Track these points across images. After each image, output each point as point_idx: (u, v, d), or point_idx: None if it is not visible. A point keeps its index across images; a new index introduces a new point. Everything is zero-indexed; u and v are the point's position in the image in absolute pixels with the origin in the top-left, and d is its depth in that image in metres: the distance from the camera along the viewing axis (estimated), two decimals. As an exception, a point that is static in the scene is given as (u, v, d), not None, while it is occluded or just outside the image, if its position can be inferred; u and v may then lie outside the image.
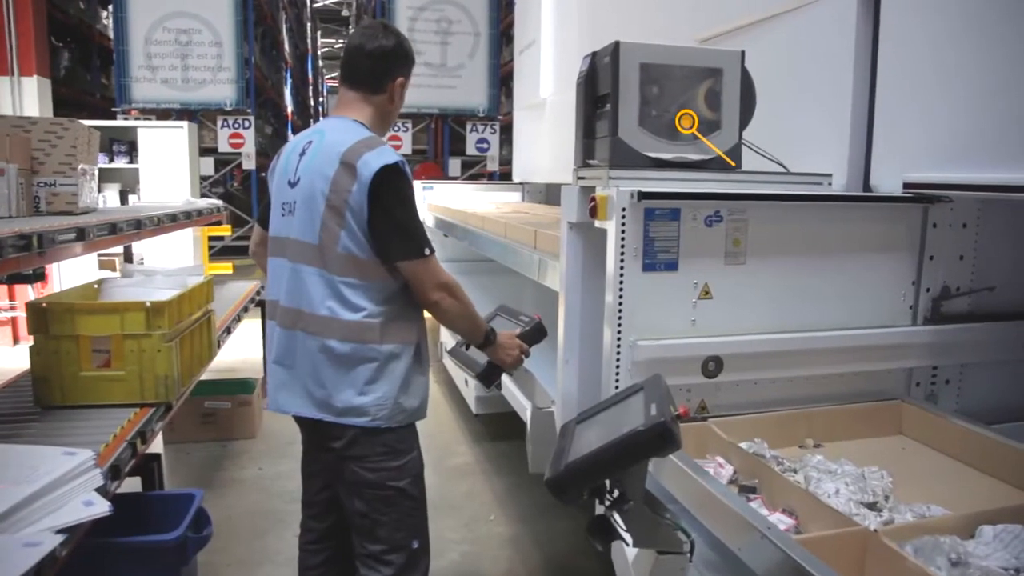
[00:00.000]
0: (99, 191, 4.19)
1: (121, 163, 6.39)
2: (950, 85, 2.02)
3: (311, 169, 1.74)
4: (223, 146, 10.84)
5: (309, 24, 25.41)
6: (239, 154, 10.96)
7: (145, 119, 10.10)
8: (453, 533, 3.08)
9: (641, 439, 1.17)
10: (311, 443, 1.98)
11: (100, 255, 5.55)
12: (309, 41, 25.41)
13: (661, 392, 1.31)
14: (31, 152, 2.47)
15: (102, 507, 1.39)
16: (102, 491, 1.48)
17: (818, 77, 2.51)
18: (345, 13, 26.53)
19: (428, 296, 1.75)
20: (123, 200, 5.20)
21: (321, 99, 32.79)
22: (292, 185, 1.80)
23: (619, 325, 1.83)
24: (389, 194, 1.68)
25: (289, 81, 17.88)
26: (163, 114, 10.35)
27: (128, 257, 4.54)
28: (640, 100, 1.89)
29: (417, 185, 6.13)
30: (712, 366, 1.92)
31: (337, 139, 1.74)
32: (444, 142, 11.77)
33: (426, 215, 5.75)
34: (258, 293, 4.44)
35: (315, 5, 27.07)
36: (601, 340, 1.94)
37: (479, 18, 11.34)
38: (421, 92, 11.20)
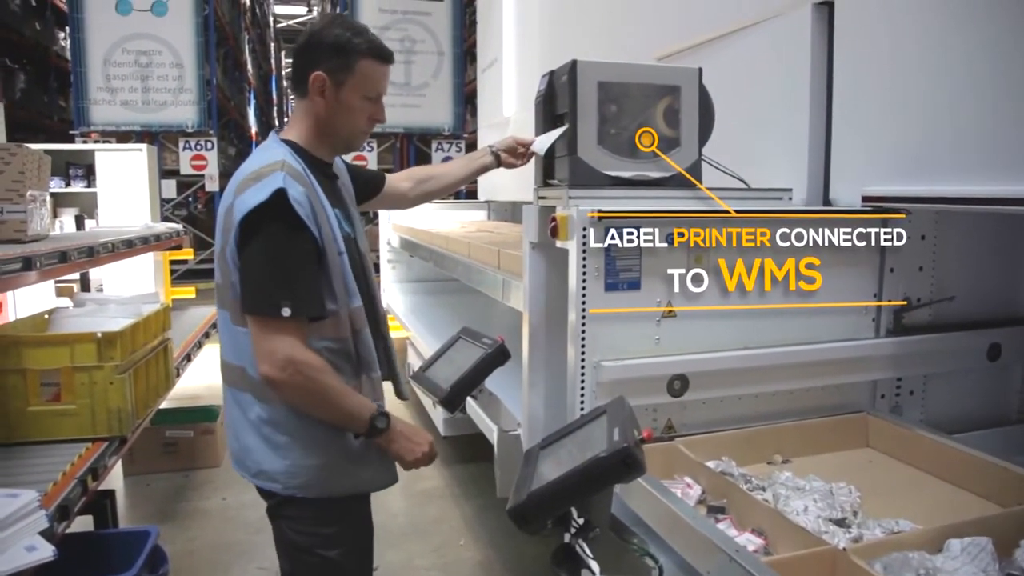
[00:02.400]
0: (55, 216, 4.08)
1: (78, 187, 6.26)
2: (905, 99, 2.05)
3: (222, 200, 1.57)
4: (185, 168, 10.69)
5: (272, 44, 25.33)
6: (202, 176, 10.82)
7: (105, 142, 9.93)
8: (422, 559, 3.02)
9: (604, 465, 1.14)
10: None
11: (57, 282, 5.41)
12: (273, 61, 25.30)
13: (624, 415, 1.28)
14: (-24, 179, 2.39)
15: (45, 552, 1.33)
16: (47, 534, 1.41)
17: (777, 93, 2.53)
18: (309, 33, 26.48)
19: (259, 369, 1.45)
20: (79, 225, 5.08)
21: (285, 119, 32.62)
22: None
23: (583, 346, 1.81)
24: (257, 237, 1.43)
25: (253, 102, 17.75)
26: (123, 136, 10.19)
27: (85, 284, 4.43)
28: (599, 119, 1.88)
29: (382, 206, 6.09)
30: (678, 385, 1.91)
31: (246, 165, 1.55)
32: (410, 161, 11.74)
33: (391, 235, 5.71)
34: (220, 318, 4.36)
35: (278, 26, 26.99)
36: (566, 361, 1.91)
37: (442, 37, 11.39)
38: (386, 111, 11.20)
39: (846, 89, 2.28)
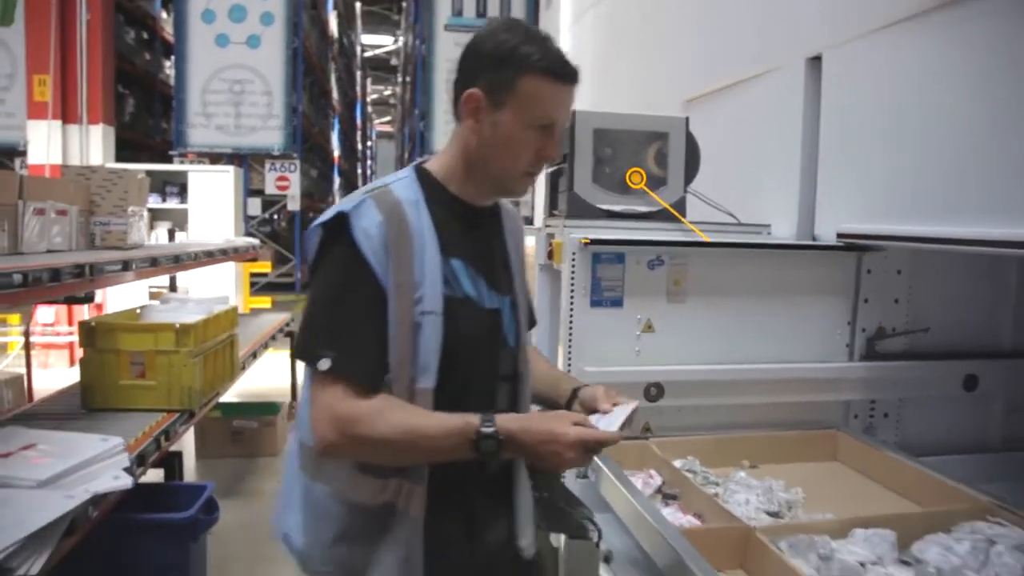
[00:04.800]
0: (151, 229, 4.66)
1: (173, 203, 6.95)
2: (883, 148, 2.30)
3: None
4: (270, 188, 11.48)
5: (359, 72, 26.56)
6: (285, 195, 11.59)
7: (199, 162, 10.82)
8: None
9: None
10: None
11: (151, 287, 6.05)
12: (359, 88, 26.53)
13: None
14: (90, 196, 2.90)
15: (126, 481, 1.74)
16: (128, 471, 1.82)
17: (776, 137, 2.80)
18: (394, 62, 27.71)
19: (313, 432, 1.18)
20: (171, 237, 5.69)
21: (369, 143, 33.95)
22: None
23: (569, 352, 2.13)
24: (317, 264, 1.21)
25: (337, 127, 18.72)
26: (215, 158, 11.06)
27: (173, 288, 4.99)
28: (594, 160, 2.22)
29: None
30: (654, 391, 2.20)
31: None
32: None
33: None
34: (287, 324, 4.83)
35: (365, 55, 28.31)
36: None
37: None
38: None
39: (831, 138, 2.54)
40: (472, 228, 1.31)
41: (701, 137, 2.50)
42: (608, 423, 1.32)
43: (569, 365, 2.13)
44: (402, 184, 1.26)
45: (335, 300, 1.18)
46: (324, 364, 1.14)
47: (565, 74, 1.24)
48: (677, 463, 2.10)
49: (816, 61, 2.59)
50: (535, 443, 1.17)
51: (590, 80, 5.77)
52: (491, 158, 1.25)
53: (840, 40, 2.46)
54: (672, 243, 2.18)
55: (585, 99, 5.91)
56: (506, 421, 1.16)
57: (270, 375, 5.59)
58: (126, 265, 2.46)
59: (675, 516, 1.81)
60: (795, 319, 2.39)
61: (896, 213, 2.25)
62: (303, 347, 1.19)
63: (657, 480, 2.03)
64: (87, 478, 1.68)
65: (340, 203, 1.22)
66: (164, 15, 11.57)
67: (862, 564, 1.58)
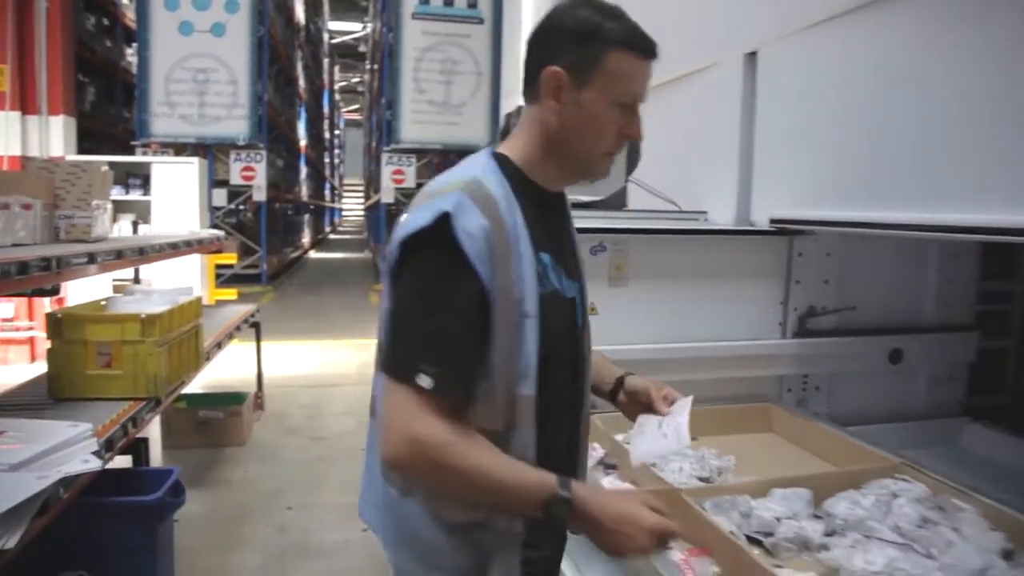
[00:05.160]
0: (115, 221, 4.69)
1: (136, 195, 6.94)
2: (812, 139, 2.45)
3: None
4: (235, 178, 11.45)
5: (326, 60, 26.34)
6: (251, 186, 11.57)
7: (163, 152, 10.76)
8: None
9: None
10: None
11: (115, 280, 6.06)
12: (326, 76, 26.32)
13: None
14: (54, 190, 2.96)
15: (95, 464, 1.84)
16: (97, 455, 1.92)
17: (715, 129, 2.95)
18: (362, 49, 27.53)
19: (384, 446, 1.10)
20: (135, 229, 5.71)
21: (336, 132, 33.74)
22: None
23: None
24: (410, 271, 1.09)
25: (303, 115, 18.61)
26: (180, 148, 10.99)
27: (137, 281, 5.03)
28: (539, 153, 2.33)
29: (408, 217, 6.62)
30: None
31: (438, 178, 1.21)
32: (446, 176, 12.30)
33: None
34: (252, 315, 4.90)
35: (333, 42, 28.07)
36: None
37: (481, 59, 11.94)
38: (425, 128, 11.85)
39: (766, 128, 2.69)
40: (548, 214, 1.25)
41: (648, 128, 2.62)
42: (675, 437, 1.31)
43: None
44: (489, 176, 1.15)
45: (438, 309, 1.06)
46: (425, 381, 1.03)
47: (648, 48, 1.19)
48: (618, 436, 2.25)
49: (752, 57, 2.73)
50: (610, 520, 1.08)
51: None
52: (574, 139, 1.18)
53: (774, 37, 2.60)
54: (613, 230, 2.31)
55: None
56: (583, 491, 1.10)
57: (236, 366, 5.67)
58: (91, 258, 2.54)
59: (613, 483, 1.96)
60: (731, 300, 2.54)
61: (825, 200, 2.41)
62: (400, 361, 1.07)
63: (599, 452, 2.17)
64: (58, 462, 1.78)
65: (432, 199, 1.09)
66: (125, 0, 11.42)
67: (778, 519, 1.74)
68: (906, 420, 2.75)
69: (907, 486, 1.90)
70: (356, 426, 4.98)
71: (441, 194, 1.10)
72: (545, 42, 1.18)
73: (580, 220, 2.46)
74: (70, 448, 1.85)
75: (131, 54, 11.68)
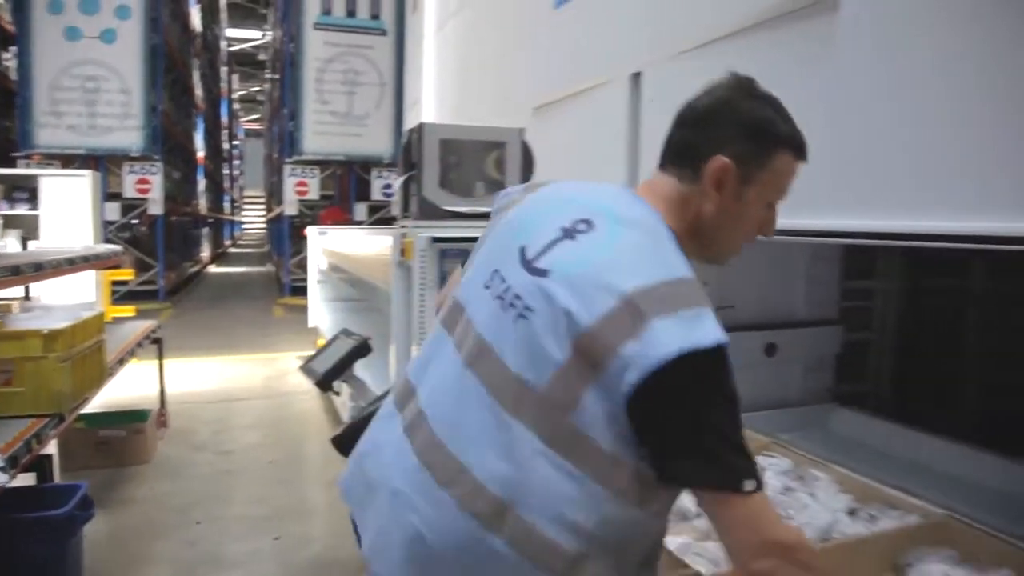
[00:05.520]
0: (1, 237, 4.52)
1: (22, 210, 6.64)
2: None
3: (570, 278, 1.05)
4: (129, 191, 11.03)
5: (224, 68, 25.62)
6: (146, 199, 11.16)
7: (48, 164, 10.25)
8: (319, 530, 3.54)
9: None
10: None
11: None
12: (224, 85, 25.59)
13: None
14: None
15: (2, 478, 1.84)
16: (3, 471, 1.92)
17: (606, 143, 3.17)
18: (262, 57, 26.91)
19: (744, 562, 1.00)
20: (24, 246, 5.49)
21: (236, 142, 32.81)
22: (527, 266, 1.10)
23: (421, 337, 2.39)
24: (679, 390, 0.98)
25: (201, 125, 18.07)
26: (67, 160, 10.49)
27: (27, 299, 4.85)
28: (440, 167, 2.49)
29: (313, 230, 6.63)
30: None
31: (628, 256, 1.05)
32: (351, 188, 12.26)
33: (320, 259, 6.24)
34: (154, 331, 4.80)
35: (231, 49, 27.32)
36: (416, 352, 2.49)
37: (384, 70, 11.98)
38: (328, 139, 11.78)
39: (650, 142, 2.93)
40: None
41: (547, 141, 2.82)
42: None
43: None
44: (689, 267, 1.08)
45: (729, 421, 1.02)
46: (750, 485, 0.99)
47: (805, 152, 1.18)
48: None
49: (637, 77, 2.97)
50: None
51: (452, 86, 6.10)
52: (725, 231, 1.16)
53: (656, 59, 2.84)
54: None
55: (447, 105, 6.25)
56: None
57: (136, 385, 5.52)
58: (-15, 275, 2.50)
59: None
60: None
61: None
62: (728, 469, 0.99)
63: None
64: (-38, 477, 1.78)
65: (692, 309, 1.00)
66: (1, 1, 10.81)
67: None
68: (782, 407, 3.04)
69: (775, 461, 2.15)
70: (263, 439, 4.95)
71: (697, 306, 1.01)
72: (716, 125, 1.14)
73: (479, 230, 2.61)
74: (-25, 465, 1.85)
75: (8, 58, 11.08)
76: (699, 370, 0.97)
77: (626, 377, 0.96)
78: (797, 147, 1.16)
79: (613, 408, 0.99)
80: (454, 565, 1.04)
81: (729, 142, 1.12)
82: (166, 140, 11.92)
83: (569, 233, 1.09)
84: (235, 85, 30.97)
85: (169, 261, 12.11)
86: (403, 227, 2.62)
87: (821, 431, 2.95)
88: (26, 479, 2.45)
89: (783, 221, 2.28)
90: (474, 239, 2.47)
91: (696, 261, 1.17)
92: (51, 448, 2.56)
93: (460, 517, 1.03)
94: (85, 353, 2.84)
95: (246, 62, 29.98)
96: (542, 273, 1.06)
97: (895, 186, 1.81)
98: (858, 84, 1.88)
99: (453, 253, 2.37)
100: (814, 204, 2.11)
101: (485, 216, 2.69)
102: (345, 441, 1.79)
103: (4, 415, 2.47)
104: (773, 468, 2.07)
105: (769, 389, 3.08)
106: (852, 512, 1.92)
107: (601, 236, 1.08)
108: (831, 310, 3.26)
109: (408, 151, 2.58)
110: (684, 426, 0.99)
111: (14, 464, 2.11)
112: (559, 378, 1.01)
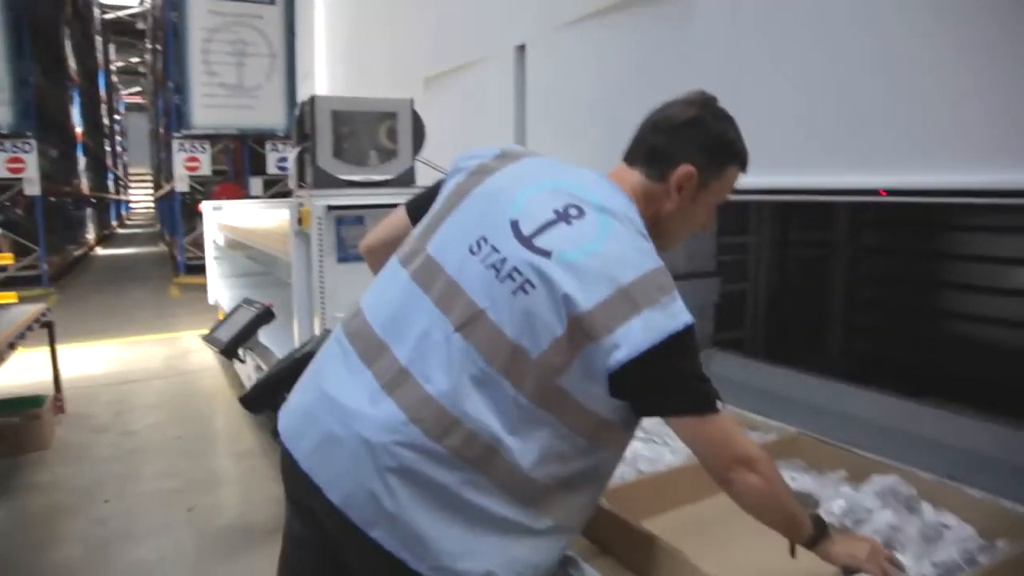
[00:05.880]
0: None
1: None
2: (572, 122, 2.86)
3: (573, 265, 1.15)
4: (0, 171, 10.36)
5: (99, 38, 24.08)
6: (20, 179, 10.53)
7: (-92, 145, 9.51)
8: (232, 499, 3.61)
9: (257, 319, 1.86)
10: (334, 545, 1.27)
11: None
12: (100, 56, 24.08)
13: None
14: None
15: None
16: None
17: (494, 113, 3.32)
18: (141, 26, 25.42)
19: (717, 472, 1.21)
20: None
21: (117, 117, 31.03)
22: (526, 243, 1.19)
23: (323, 303, 2.50)
24: (665, 365, 1.14)
25: (77, 100, 17.03)
26: (-73, 139, 9.77)
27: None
28: (334, 137, 2.57)
29: (208, 206, 6.49)
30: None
31: (620, 249, 1.18)
32: (244, 162, 11.94)
33: (216, 234, 6.14)
34: (44, 315, 4.65)
35: (105, 17, 25.67)
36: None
37: (275, 41, 11.64)
38: (218, 112, 11.40)
39: (535, 112, 3.09)
40: None
41: (438, 110, 2.94)
42: None
43: (323, 314, 2.50)
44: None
45: (696, 368, 1.17)
46: (719, 405, 1.17)
47: (747, 164, 1.38)
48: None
49: (522, 49, 3.12)
50: (846, 556, 1.28)
51: (345, 57, 6.09)
52: (677, 227, 1.35)
53: (539, 32, 2.99)
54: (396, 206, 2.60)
55: (339, 76, 6.25)
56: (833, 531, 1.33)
57: (26, 373, 5.35)
58: None
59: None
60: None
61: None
62: (701, 399, 1.16)
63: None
64: None
65: (666, 296, 1.14)
66: None
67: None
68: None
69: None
70: (168, 417, 4.91)
71: (671, 294, 1.15)
72: (688, 138, 1.31)
73: (374, 197, 2.73)
74: None
75: None
76: (676, 346, 1.12)
77: (615, 355, 1.10)
78: (744, 162, 1.36)
79: (596, 372, 1.12)
80: (444, 506, 1.15)
81: (696, 153, 1.29)
82: (40, 116, 11.23)
83: (563, 217, 1.20)
84: (112, 56, 29.16)
85: (51, 244, 11.50)
86: (300, 197, 2.70)
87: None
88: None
89: None
90: (371, 206, 2.59)
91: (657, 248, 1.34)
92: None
93: (452, 465, 1.14)
94: (-27, 336, 2.79)
95: (124, 31, 28.25)
96: (544, 254, 1.16)
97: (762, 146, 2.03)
98: (719, 51, 2.09)
99: (350, 220, 2.47)
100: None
101: (379, 184, 2.81)
102: (253, 400, 1.90)
103: None
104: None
105: None
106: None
107: (593, 225, 1.20)
108: (708, 263, 3.53)
109: (301, 123, 2.64)
110: (663, 382, 1.15)
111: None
112: (555, 347, 1.13)
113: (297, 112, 2.68)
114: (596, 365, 1.13)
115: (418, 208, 1.41)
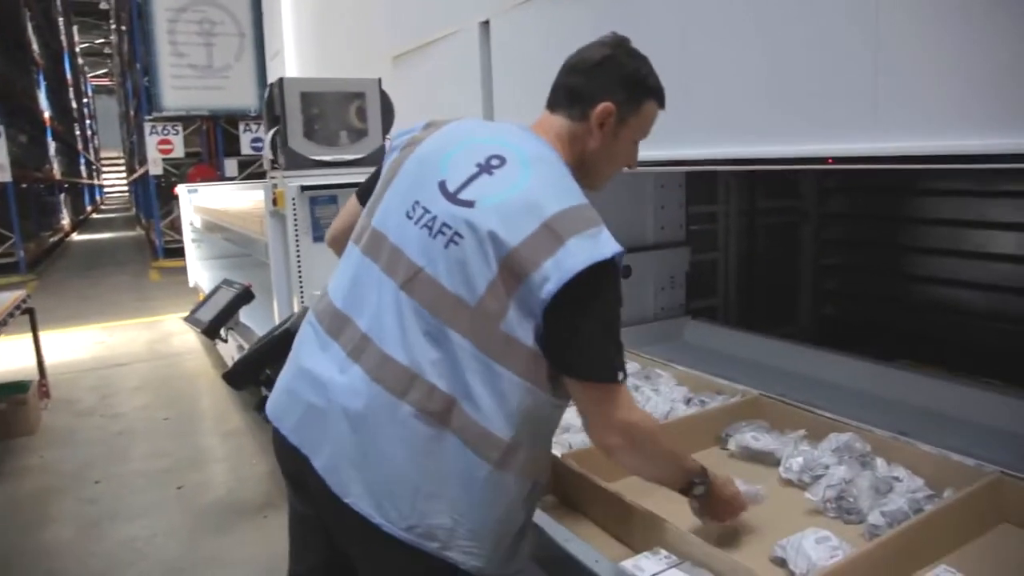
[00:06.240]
0: None
1: None
2: (538, 96, 2.91)
3: (496, 208, 1.22)
4: (-30, 159, 10.24)
5: (62, 20, 23.58)
6: (-10, 166, 10.40)
7: None
8: (221, 477, 3.69)
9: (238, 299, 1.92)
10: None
11: None
12: (64, 38, 23.60)
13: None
14: None
15: None
16: None
17: (461, 90, 3.36)
18: (104, 6, 24.90)
19: (599, 438, 1.28)
20: None
21: (85, 100, 30.47)
22: (451, 198, 1.26)
23: (300, 281, 2.56)
24: (594, 298, 1.20)
25: (43, 84, 16.74)
26: None
27: None
28: (303, 119, 2.62)
29: (183, 188, 6.49)
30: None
31: (541, 187, 1.24)
32: (218, 144, 11.85)
33: (193, 216, 6.15)
34: (24, 301, 4.67)
35: (67, -1, 25.12)
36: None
37: (243, 20, 11.51)
38: (188, 94, 11.29)
39: (501, 88, 3.14)
40: None
41: (406, 89, 2.97)
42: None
43: (301, 293, 2.57)
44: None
45: (616, 321, 1.25)
46: (621, 376, 1.23)
47: (664, 101, 1.44)
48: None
49: (486, 25, 3.16)
50: (725, 498, 1.45)
51: (313, 36, 6.06)
52: (603, 163, 1.40)
53: (503, 8, 3.03)
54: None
55: (308, 56, 6.21)
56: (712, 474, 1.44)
57: (8, 360, 5.37)
58: None
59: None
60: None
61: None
62: (605, 367, 1.22)
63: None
64: None
65: (591, 228, 1.20)
66: None
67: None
68: (640, 323, 3.39)
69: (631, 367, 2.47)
70: (154, 399, 4.97)
71: (598, 225, 1.22)
72: (604, 76, 1.37)
73: (346, 176, 2.78)
74: None
75: None
76: (602, 277, 1.18)
77: (546, 287, 1.15)
78: (661, 98, 1.42)
79: (534, 313, 1.18)
80: (410, 462, 1.21)
81: (613, 90, 1.35)
82: (5, 100, 11.06)
83: (486, 168, 1.26)
84: (77, 38, 28.57)
85: (26, 231, 11.40)
86: (273, 179, 2.75)
87: (677, 343, 3.26)
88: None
89: (647, 154, 2.56)
90: (343, 185, 2.65)
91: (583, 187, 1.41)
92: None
93: (417, 421, 1.20)
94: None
95: (86, 12, 27.64)
96: (468, 204, 1.23)
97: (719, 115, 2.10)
98: (675, 22, 2.14)
99: (323, 200, 2.53)
100: (652, 137, 2.40)
101: (351, 164, 2.86)
102: (236, 376, 1.97)
103: None
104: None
105: (627, 308, 3.39)
106: (688, 401, 2.27)
107: (515, 171, 1.26)
108: (678, 233, 3.61)
109: (271, 105, 2.69)
110: (586, 326, 1.20)
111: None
112: (490, 293, 1.19)
113: (266, 94, 2.72)
114: (531, 305, 1.18)
115: (366, 192, 1.47)
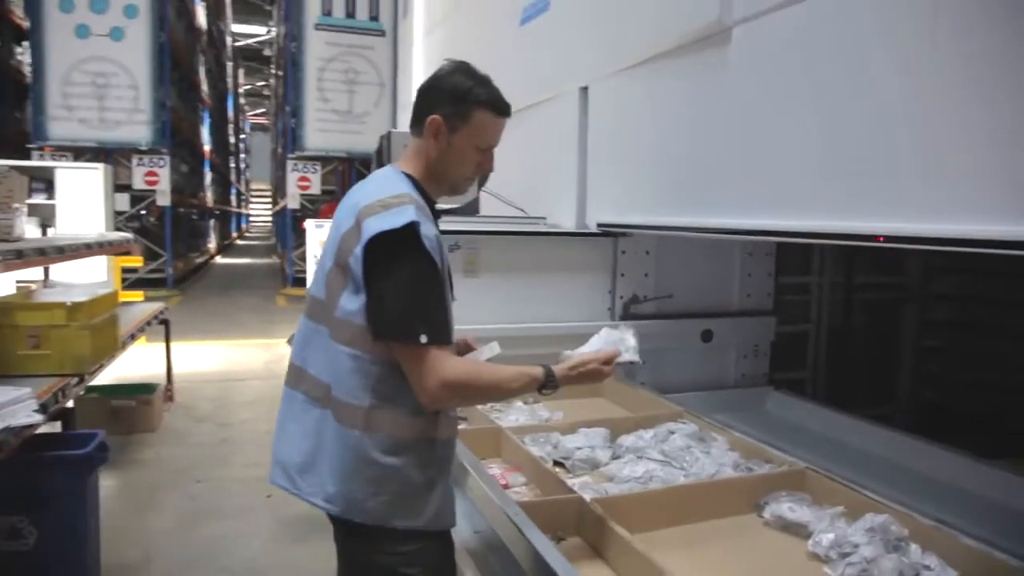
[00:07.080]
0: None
1: (39, 199, 7.07)
2: (631, 158, 3.06)
3: (336, 220, 1.57)
4: (138, 183, 11.44)
5: (230, 64, 26.00)
6: (154, 191, 11.59)
7: (61, 156, 10.67)
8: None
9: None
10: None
11: (18, 282, 6.20)
12: (230, 80, 26.00)
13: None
14: (-21, 194, 3.31)
15: (39, 418, 2.27)
16: (39, 412, 2.35)
17: (558, 149, 3.57)
18: (268, 53, 27.30)
19: (421, 400, 1.46)
20: (44, 232, 5.91)
21: (243, 135, 33.23)
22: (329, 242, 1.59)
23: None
24: (388, 264, 1.42)
25: (207, 120, 18.49)
26: (78, 152, 10.91)
27: (47, 282, 5.28)
28: (409, 170, 2.89)
29: (311, 223, 7.03)
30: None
31: (368, 190, 1.54)
32: (351, 183, 12.63)
33: (316, 250, 6.65)
34: (161, 312, 5.23)
35: (237, 45, 27.70)
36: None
37: (383, 69, 12.29)
38: (329, 136, 12.16)
39: (596, 149, 3.32)
40: (436, 220, 1.62)
41: (505, 147, 3.18)
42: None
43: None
44: (415, 193, 1.52)
45: (420, 290, 1.43)
46: (423, 339, 1.40)
47: (503, 109, 1.63)
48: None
49: (585, 90, 3.36)
50: (576, 379, 1.65)
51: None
52: (447, 169, 1.60)
53: (601, 75, 3.23)
54: (466, 232, 2.89)
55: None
56: (556, 369, 1.63)
57: (145, 364, 5.96)
58: (19, 254, 2.93)
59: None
60: (567, 290, 3.15)
61: (641, 208, 3.01)
62: (401, 326, 1.41)
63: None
64: (6, 416, 2.20)
65: (390, 209, 1.42)
66: (15, -3, 11.20)
67: (578, 448, 2.33)
68: (718, 388, 3.39)
69: (683, 426, 2.51)
70: (262, 414, 5.38)
71: (399, 206, 1.43)
72: (430, 95, 1.59)
73: (442, 224, 3.00)
74: (14, 406, 2.27)
75: (20, 53, 11.47)
76: (396, 244, 1.39)
77: (354, 264, 1.43)
78: (495, 107, 1.61)
79: (360, 290, 1.44)
80: (307, 438, 1.55)
81: (440, 105, 1.57)
82: (173, 134, 12.33)
83: (347, 204, 1.57)
84: (241, 80, 31.34)
85: (177, 251, 12.54)
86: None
87: (757, 413, 3.21)
88: (54, 428, 2.89)
89: (707, 220, 2.67)
90: (446, 232, 2.85)
91: (444, 195, 1.70)
92: (72, 405, 2.99)
93: (311, 406, 1.55)
94: (102, 324, 3.27)
95: (252, 57, 30.36)
96: (333, 235, 1.55)
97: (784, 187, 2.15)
98: (752, 94, 2.20)
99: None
100: (746, 205, 2.25)
101: (446, 212, 3.09)
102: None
103: (33, 374, 2.90)
104: (680, 431, 2.42)
105: (707, 372, 3.40)
106: (736, 466, 2.30)
107: (354, 189, 1.60)
108: (765, 302, 3.61)
109: (380, 155, 2.99)
110: (384, 290, 1.42)
111: (44, 410, 2.53)
112: (331, 282, 1.50)
113: (377, 145, 3.03)
114: (358, 284, 1.44)
115: None
